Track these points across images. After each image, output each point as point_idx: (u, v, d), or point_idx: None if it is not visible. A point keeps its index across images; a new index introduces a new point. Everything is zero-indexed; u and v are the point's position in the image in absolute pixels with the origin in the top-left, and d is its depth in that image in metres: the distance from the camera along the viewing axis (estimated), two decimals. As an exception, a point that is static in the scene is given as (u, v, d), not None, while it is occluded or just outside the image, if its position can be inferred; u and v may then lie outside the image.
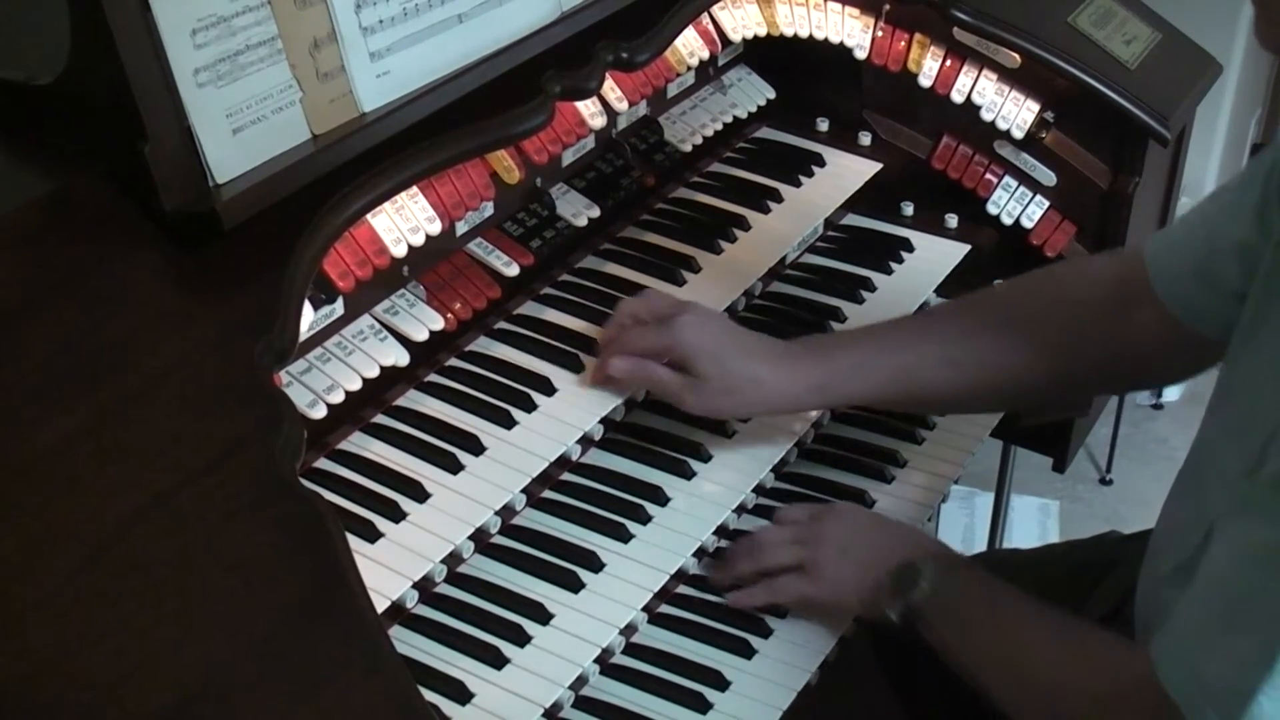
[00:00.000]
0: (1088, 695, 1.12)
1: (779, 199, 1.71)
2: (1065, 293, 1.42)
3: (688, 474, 1.40)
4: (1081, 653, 1.15)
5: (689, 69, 1.67)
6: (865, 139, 1.83)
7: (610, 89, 1.54)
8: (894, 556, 1.30)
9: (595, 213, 1.56)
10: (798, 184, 1.74)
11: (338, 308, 1.32)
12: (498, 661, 1.20)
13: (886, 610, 1.27)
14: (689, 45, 1.65)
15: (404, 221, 1.32)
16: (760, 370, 1.36)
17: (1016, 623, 1.21)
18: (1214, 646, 1.00)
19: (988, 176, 1.77)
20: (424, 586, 1.22)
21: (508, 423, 1.34)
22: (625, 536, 1.33)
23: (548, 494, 1.38)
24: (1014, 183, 1.76)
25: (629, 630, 1.29)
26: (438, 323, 1.37)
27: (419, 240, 1.33)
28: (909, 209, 1.79)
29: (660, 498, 1.37)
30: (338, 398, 1.27)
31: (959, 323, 1.42)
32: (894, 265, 1.70)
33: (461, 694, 1.17)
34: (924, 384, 1.40)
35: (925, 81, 1.73)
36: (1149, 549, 1.25)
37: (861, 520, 1.40)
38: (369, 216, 1.27)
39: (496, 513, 1.26)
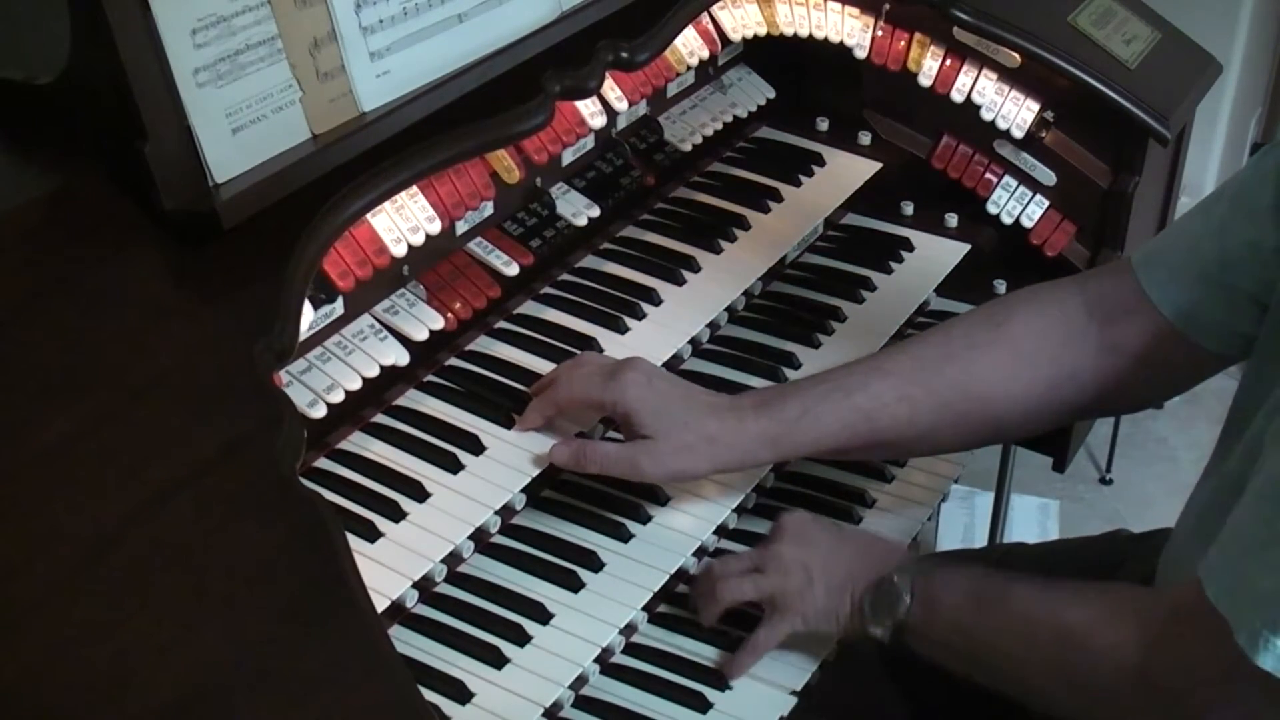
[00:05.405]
0: (1125, 645, 1.07)
1: (779, 199, 1.71)
2: (1031, 315, 1.35)
3: (688, 473, 1.40)
4: (1101, 607, 1.10)
5: (689, 69, 1.67)
6: (865, 139, 1.83)
7: (610, 88, 1.54)
8: (863, 572, 1.26)
9: (595, 212, 1.56)
10: (798, 184, 1.74)
11: (338, 307, 1.32)
12: (498, 661, 1.20)
13: (871, 630, 1.24)
14: (689, 45, 1.65)
15: (404, 221, 1.32)
16: (710, 426, 1.29)
17: (1018, 606, 1.16)
18: (1266, 556, 0.96)
19: (987, 176, 1.77)
20: (424, 586, 1.22)
21: (508, 422, 1.33)
22: (625, 536, 1.33)
23: (548, 494, 1.38)
24: (1014, 182, 1.76)
25: (629, 630, 1.29)
26: (438, 322, 1.37)
27: (419, 240, 1.33)
28: (909, 208, 1.79)
29: (660, 497, 1.37)
30: (338, 397, 1.27)
31: (912, 357, 1.35)
32: (894, 265, 1.70)
33: (461, 694, 1.17)
34: (881, 425, 1.32)
35: (925, 81, 1.73)
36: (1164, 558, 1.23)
37: (816, 536, 1.31)
38: (369, 216, 1.27)
39: (496, 512, 1.26)
